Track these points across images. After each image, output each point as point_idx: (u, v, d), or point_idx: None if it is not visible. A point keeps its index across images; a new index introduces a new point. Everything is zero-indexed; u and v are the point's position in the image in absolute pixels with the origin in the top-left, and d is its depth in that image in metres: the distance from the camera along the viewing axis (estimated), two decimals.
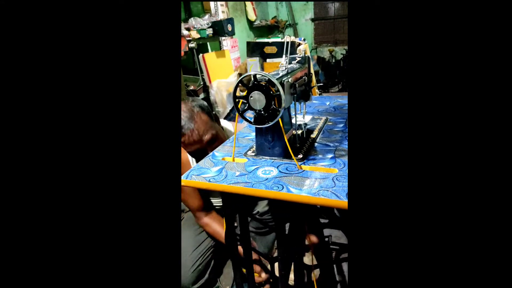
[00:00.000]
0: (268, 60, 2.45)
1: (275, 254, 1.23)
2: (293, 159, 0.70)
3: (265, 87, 0.63)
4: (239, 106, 0.66)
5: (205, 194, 1.14)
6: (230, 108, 2.20)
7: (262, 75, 0.61)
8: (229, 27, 2.33)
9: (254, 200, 1.17)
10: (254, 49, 2.56)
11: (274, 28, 4.44)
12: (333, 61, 4.51)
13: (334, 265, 1.14)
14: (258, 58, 2.53)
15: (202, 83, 2.23)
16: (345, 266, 1.14)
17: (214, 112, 1.02)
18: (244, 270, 0.84)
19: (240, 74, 2.78)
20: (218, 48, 2.63)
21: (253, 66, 2.53)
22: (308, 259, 1.10)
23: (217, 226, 1.10)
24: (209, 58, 2.37)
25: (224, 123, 1.18)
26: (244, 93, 0.65)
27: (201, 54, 2.30)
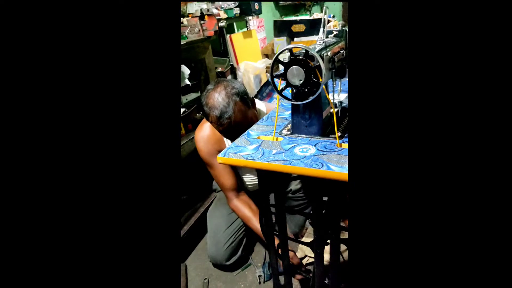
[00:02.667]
0: (296, 39, 2.37)
1: (305, 234, 1.23)
2: (330, 137, 0.68)
3: (304, 61, 0.60)
4: (278, 87, 0.64)
5: (236, 174, 1.15)
6: (257, 90, 2.17)
7: (301, 48, 0.59)
8: (256, 6, 2.27)
9: (287, 179, 1.17)
10: (281, 28, 2.49)
11: (300, 6, 4.28)
12: None
13: None
14: (285, 37, 2.46)
15: (229, 64, 2.21)
16: None
17: (251, 97, 1.01)
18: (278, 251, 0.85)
19: (266, 55, 2.73)
20: (245, 28, 2.59)
21: (280, 46, 2.47)
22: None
23: (246, 211, 1.10)
24: (236, 39, 2.34)
25: (258, 103, 1.17)
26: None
27: (228, 35, 2.27)
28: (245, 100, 0.97)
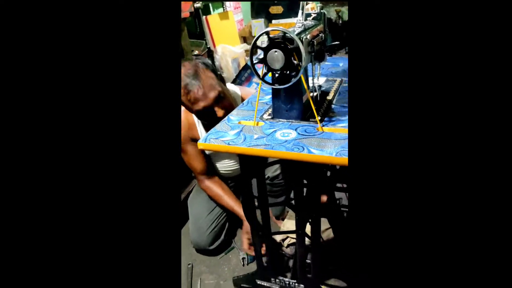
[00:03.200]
0: (273, 21, 2.33)
1: (287, 216, 1.26)
2: (310, 121, 0.69)
3: (283, 45, 0.59)
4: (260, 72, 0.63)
5: (208, 159, 1.16)
6: (236, 74, 2.14)
7: (280, 31, 0.58)
8: None
9: (264, 166, 1.18)
10: (258, 10, 2.43)
11: None
12: (340, 22, 4.28)
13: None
14: (263, 19, 2.41)
15: (207, 47, 2.15)
16: None
17: (219, 73, 0.99)
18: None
19: (244, 38, 2.67)
20: (221, 9, 2.51)
21: (258, 28, 2.42)
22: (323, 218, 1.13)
23: (217, 189, 1.13)
24: (213, 20, 2.26)
25: (231, 86, 1.15)
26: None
27: (204, 16, 2.19)
28: (214, 71, 0.95)
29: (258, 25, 2.43)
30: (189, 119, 1.06)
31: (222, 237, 1.18)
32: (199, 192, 1.22)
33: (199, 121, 1.06)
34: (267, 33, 0.60)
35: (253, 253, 1.05)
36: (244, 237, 1.11)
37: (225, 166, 1.20)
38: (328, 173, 1.09)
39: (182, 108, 0.99)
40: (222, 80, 1.00)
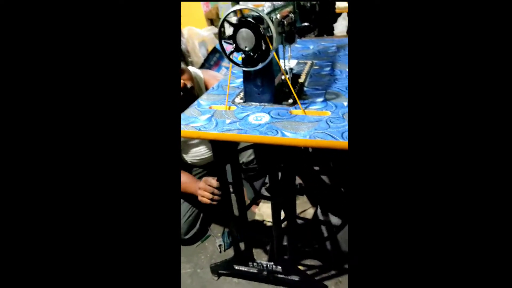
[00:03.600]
0: (241, 2, 2.26)
1: (261, 201, 1.27)
2: (283, 104, 0.68)
3: (253, 24, 0.57)
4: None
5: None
6: (204, 59, 2.06)
7: (250, 9, 0.55)
8: None
9: (238, 151, 1.17)
10: None
11: None
12: (308, 5, 4.28)
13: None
14: (230, 1, 2.33)
15: None
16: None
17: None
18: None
19: (211, 20, 2.58)
20: None
21: (225, 10, 2.34)
22: (298, 201, 1.15)
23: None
24: None
25: (193, 69, 1.11)
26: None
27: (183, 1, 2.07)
28: None
29: (226, 7, 2.35)
30: None
31: (198, 225, 1.16)
32: None
33: None
34: (235, 12, 0.57)
35: (213, 202, 0.94)
36: (198, 193, 0.98)
37: (195, 154, 1.16)
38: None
39: None
40: (183, 56, 0.95)
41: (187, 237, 1.12)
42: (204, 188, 0.93)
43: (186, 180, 1.02)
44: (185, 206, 1.13)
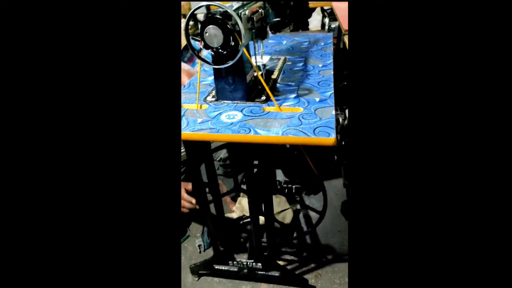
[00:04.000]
0: None
1: (241, 195, 1.26)
2: (256, 101, 0.67)
3: (221, 20, 0.56)
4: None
5: None
6: None
7: (218, 6, 0.54)
8: None
9: (212, 150, 1.15)
10: None
11: None
12: None
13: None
14: None
15: None
16: (307, 201, 1.23)
17: None
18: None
19: (184, 15, 2.52)
20: None
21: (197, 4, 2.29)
22: (276, 200, 1.15)
23: None
24: None
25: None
26: (192, 31, 0.57)
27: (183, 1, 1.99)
28: None
29: (199, 3, 2.30)
30: None
31: None
32: None
33: None
34: (204, 8, 0.55)
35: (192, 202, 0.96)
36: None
37: None
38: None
39: None
40: None
41: None
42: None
43: None
44: None
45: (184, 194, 0.94)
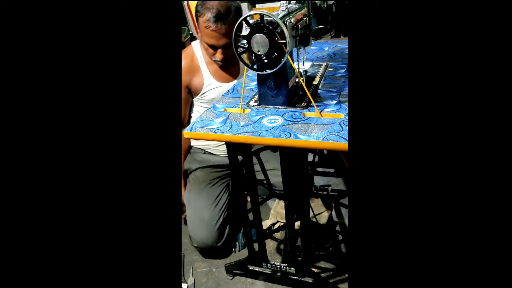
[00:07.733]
0: (257, 5, 2.28)
1: (276, 201, 1.27)
2: (297, 107, 0.69)
3: (269, 29, 0.58)
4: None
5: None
6: None
7: (264, 14, 0.57)
8: None
9: (252, 154, 1.17)
10: None
11: None
12: (325, 6, 4.23)
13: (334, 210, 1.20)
14: (247, 3, 2.36)
15: (189, 33, 2.09)
16: (343, 210, 1.21)
17: None
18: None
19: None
20: None
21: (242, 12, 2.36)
22: (314, 204, 1.14)
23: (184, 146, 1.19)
24: (194, 6, 2.19)
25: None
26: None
27: (185, 1, 2.12)
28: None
29: (243, 10, 2.37)
30: (191, 64, 1.05)
31: (227, 230, 1.08)
32: (196, 186, 1.12)
33: (204, 64, 1.06)
34: (245, 20, 0.58)
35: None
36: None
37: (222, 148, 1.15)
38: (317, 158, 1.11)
39: (187, 52, 1.03)
40: None
41: (219, 244, 1.06)
42: None
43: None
44: (217, 210, 1.07)
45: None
